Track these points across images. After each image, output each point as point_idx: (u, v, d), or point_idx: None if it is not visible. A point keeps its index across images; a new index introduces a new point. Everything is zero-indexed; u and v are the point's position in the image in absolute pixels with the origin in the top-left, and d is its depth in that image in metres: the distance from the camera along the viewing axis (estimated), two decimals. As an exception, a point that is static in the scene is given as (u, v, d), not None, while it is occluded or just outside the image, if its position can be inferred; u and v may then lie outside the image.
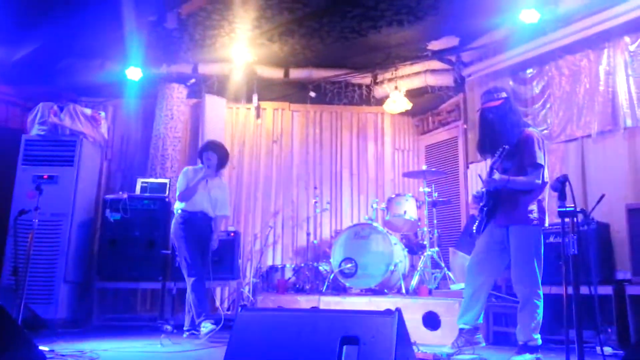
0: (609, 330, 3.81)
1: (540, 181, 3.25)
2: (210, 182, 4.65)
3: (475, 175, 5.42)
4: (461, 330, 3.42)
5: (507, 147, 3.18)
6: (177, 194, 4.58)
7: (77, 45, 5.34)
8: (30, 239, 4.21)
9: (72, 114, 5.58)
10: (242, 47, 5.68)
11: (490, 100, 3.42)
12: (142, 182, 5.77)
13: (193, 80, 6.35)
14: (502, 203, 3.32)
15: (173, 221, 4.60)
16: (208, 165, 4.59)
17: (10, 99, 6.07)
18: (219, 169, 4.75)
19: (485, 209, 3.38)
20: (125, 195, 5.42)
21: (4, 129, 5.97)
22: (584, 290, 2.73)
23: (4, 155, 5.55)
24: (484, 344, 3.48)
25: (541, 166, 3.25)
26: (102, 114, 5.98)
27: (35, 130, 5.52)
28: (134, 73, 5.74)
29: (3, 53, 5.35)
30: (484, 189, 3.39)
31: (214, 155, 4.62)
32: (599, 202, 3.75)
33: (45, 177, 5.31)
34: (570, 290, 2.58)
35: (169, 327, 4.57)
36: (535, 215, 3.23)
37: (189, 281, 4.40)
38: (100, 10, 4.56)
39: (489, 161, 3.40)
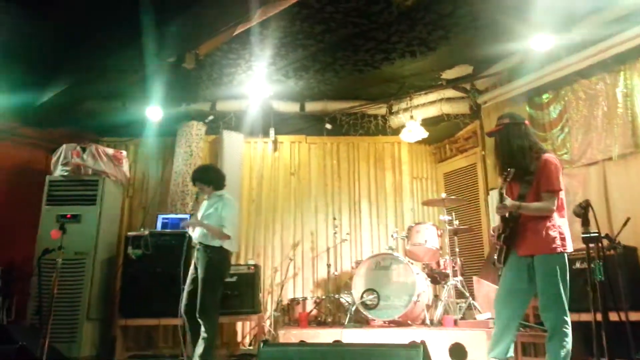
0: (644, 358, 3.67)
1: (555, 207, 3.19)
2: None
3: (496, 201, 5.35)
4: (492, 363, 3.32)
5: (512, 170, 3.14)
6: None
7: (99, 87, 5.51)
8: (54, 278, 4.26)
9: (95, 154, 5.72)
10: (258, 83, 5.81)
11: (497, 126, 3.43)
12: (163, 218, 5.84)
13: (211, 117, 6.51)
14: (521, 231, 3.26)
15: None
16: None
17: (34, 141, 6.24)
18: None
19: (503, 236, 3.33)
20: (146, 232, 5.46)
21: (28, 170, 6.12)
22: (614, 316, 2.65)
23: (29, 196, 5.68)
24: None
25: (557, 192, 3.20)
26: (124, 153, 6.12)
27: (58, 171, 5.65)
28: (154, 113, 5.89)
29: (28, 97, 5.55)
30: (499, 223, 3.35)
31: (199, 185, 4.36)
32: (624, 225, 3.68)
33: (68, 216, 5.41)
34: (599, 317, 2.50)
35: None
36: (558, 241, 3.16)
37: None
38: (122, 54, 4.71)
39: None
